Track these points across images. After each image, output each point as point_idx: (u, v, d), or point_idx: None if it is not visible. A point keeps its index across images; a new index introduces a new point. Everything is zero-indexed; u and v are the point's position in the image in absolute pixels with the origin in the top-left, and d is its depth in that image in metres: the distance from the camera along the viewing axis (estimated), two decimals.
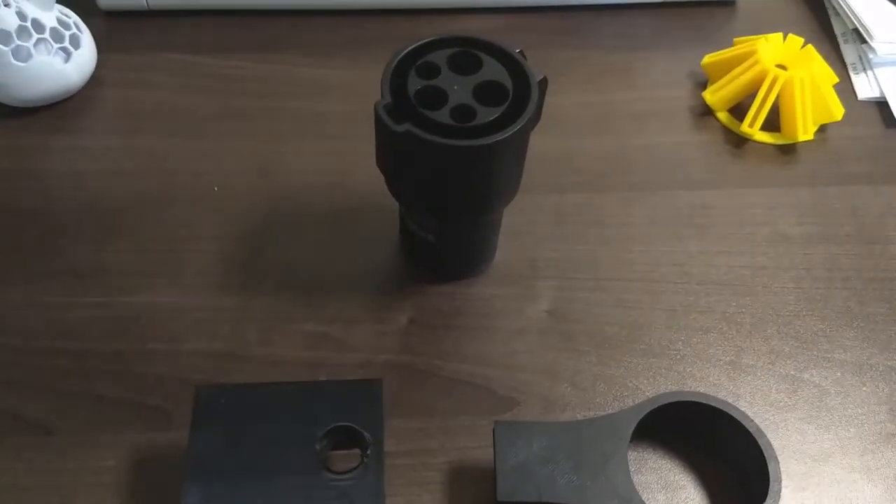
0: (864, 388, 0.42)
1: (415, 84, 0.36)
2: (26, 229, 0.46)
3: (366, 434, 0.34)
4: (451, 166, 0.36)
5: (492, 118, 0.35)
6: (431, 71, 0.36)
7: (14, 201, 0.47)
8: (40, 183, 0.48)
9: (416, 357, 0.42)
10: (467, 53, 0.37)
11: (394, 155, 0.37)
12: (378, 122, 0.35)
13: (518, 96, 0.36)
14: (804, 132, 0.50)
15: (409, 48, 0.37)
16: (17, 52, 0.47)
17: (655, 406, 0.37)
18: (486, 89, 0.36)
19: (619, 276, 0.45)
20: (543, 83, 0.36)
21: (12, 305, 0.43)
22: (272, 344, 0.42)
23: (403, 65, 0.36)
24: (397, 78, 0.36)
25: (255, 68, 0.54)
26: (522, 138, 0.36)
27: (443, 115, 0.35)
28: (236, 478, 0.33)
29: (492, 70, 0.36)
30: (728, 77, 0.51)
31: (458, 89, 0.36)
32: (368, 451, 0.34)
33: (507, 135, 0.34)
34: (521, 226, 0.47)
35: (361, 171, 0.48)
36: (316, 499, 0.33)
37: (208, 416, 0.35)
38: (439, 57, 0.36)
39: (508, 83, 0.36)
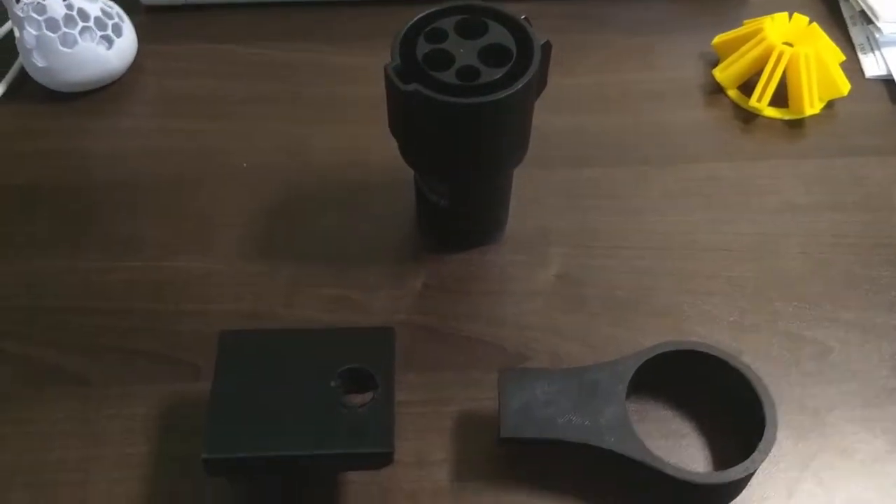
0: (867, 346, 0.42)
1: (423, 48, 0.38)
2: (69, 203, 0.49)
3: (377, 375, 0.36)
4: (458, 125, 0.38)
5: (496, 77, 0.37)
6: (439, 36, 0.39)
7: (58, 178, 0.50)
8: (82, 161, 0.51)
9: (429, 318, 0.44)
10: (474, 20, 0.39)
11: (404, 117, 0.39)
12: (388, 83, 0.37)
13: (522, 60, 0.38)
14: (811, 106, 0.52)
15: (419, 16, 0.39)
16: (63, 39, 0.51)
17: (655, 354, 0.38)
18: (491, 52, 0.38)
19: (629, 244, 0.47)
20: (547, 47, 0.38)
21: (55, 271, 0.46)
22: (295, 306, 0.45)
23: (413, 32, 0.39)
24: (407, 45, 0.39)
25: (283, 56, 0.57)
26: (525, 99, 0.39)
27: (449, 76, 0.37)
28: (255, 412, 0.35)
29: (497, 34, 0.39)
30: (736, 55, 0.53)
31: (465, 52, 0.38)
32: (379, 390, 0.36)
33: (509, 92, 0.36)
34: (534, 198, 0.49)
35: (380, 151, 0.50)
36: (330, 429, 0.35)
37: (231, 358, 0.37)
38: (447, 23, 0.39)
39: (513, 46, 0.38)
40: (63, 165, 0.51)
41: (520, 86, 0.37)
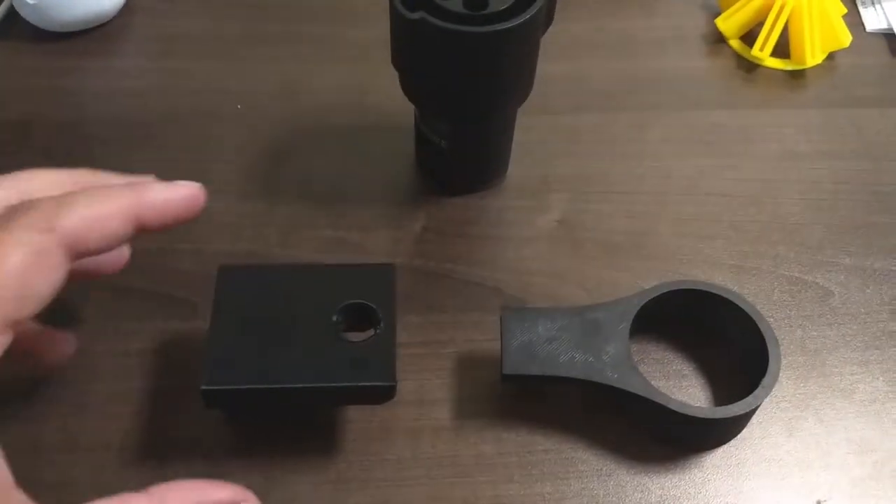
0: (868, 290, 0.42)
1: None
2: (60, 140, 0.48)
3: (378, 310, 0.36)
4: (462, 55, 0.37)
5: (503, 7, 0.36)
6: None
7: (49, 115, 0.49)
8: (74, 99, 0.50)
9: (429, 261, 0.44)
10: None
11: (408, 47, 0.38)
12: (393, 11, 0.36)
13: None
14: (812, 57, 0.51)
15: None
16: None
17: (659, 293, 0.38)
18: None
19: (629, 189, 0.47)
20: None
21: None
22: (292, 247, 0.44)
23: None
24: None
25: None
26: (533, 30, 0.38)
27: (456, 4, 0.36)
28: (255, 346, 0.35)
29: None
30: (739, 4, 0.53)
31: None
32: (381, 325, 0.35)
33: (518, 21, 0.36)
34: (534, 144, 0.48)
35: (379, 92, 0.50)
36: (331, 363, 0.34)
37: (230, 292, 0.36)
38: None
39: None
40: (55, 102, 0.50)
41: (529, 15, 0.36)
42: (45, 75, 0.51)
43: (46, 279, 0.28)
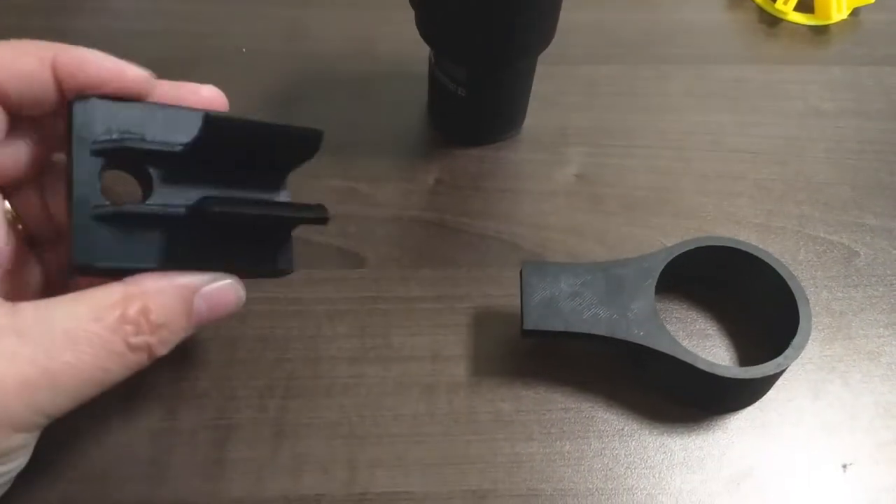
0: (894, 252, 0.41)
1: None
2: None
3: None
4: None
5: None
6: None
7: None
8: (70, 40, 0.47)
9: (443, 214, 0.42)
10: None
11: None
12: None
13: None
14: (838, 12, 0.50)
15: None
16: None
17: (687, 249, 0.37)
18: None
19: (650, 143, 0.45)
20: None
21: None
22: (300, 197, 0.42)
23: None
24: None
25: None
26: None
27: None
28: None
29: None
30: None
31: None
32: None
33: None
34: (552, 95, 0.46)
35: (390, 39, 0.48)
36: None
37: None
38: None
39: None
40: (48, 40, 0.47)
41: None
42: (39, 16, 0.49)
43: None
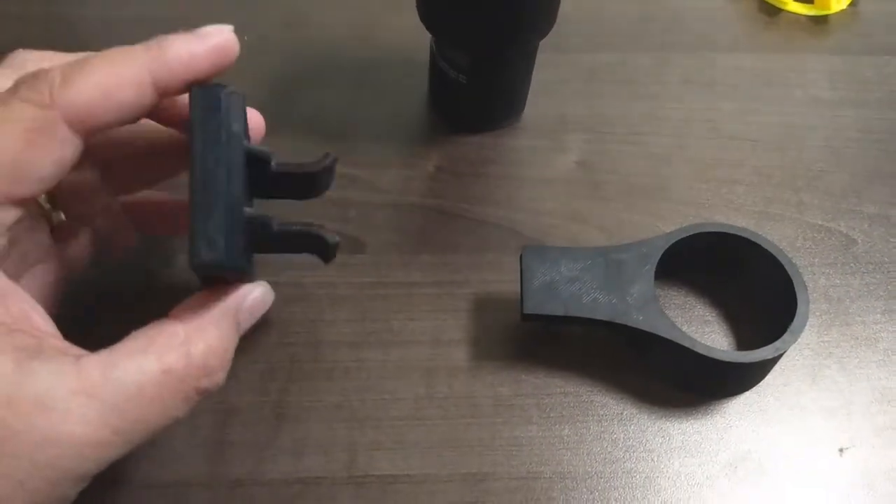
0: (891, 240, 0.42)
1: None
2: None
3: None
4: None
5: None
6: None
7: (44, 40, 0.46)
8: (69, 27, 0.48)
9: (443, 200, 0.42)
10: None
11: None
12: None
13: None
14: (837, 2, 0.50)
15: None
16: None
17: (686, 234, 0.37)
18: None
19: (649, 130, 0.45)
20: None
21: None
22: None
23: None
24: None
25: None
26: None
27: None
28: None
29: None
30: None
31: None
32: None
33: None
34: (551, 83, 0.47)
35: (389, 26, 0.48)
36: None
37: None
38: None
39: None
40: (50, 28, 0.47)
41: None
42: (39, 2, 0.49)
43: (48, 157, 0.26)
